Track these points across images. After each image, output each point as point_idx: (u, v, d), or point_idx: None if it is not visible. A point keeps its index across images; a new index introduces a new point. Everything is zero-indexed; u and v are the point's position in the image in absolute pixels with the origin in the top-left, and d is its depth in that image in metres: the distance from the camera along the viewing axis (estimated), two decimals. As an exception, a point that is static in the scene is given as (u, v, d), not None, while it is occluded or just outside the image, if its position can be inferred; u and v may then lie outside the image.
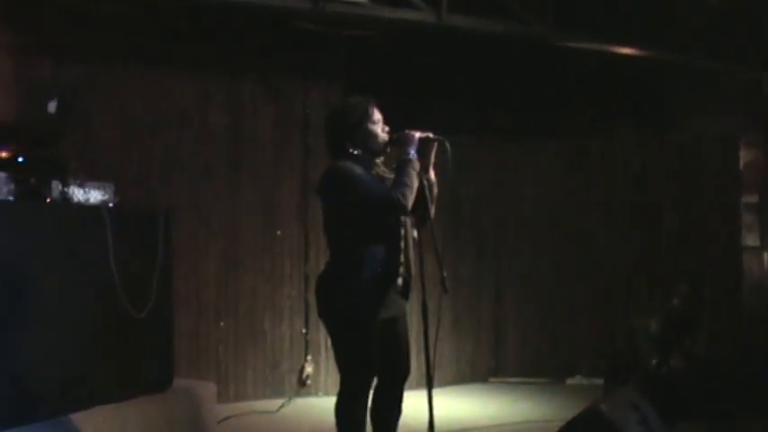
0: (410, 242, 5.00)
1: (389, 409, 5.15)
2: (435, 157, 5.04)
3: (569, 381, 9.92)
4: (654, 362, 7.42)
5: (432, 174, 5.07)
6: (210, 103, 8.62)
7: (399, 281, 4.96)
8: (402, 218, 4.94)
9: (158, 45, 8.20)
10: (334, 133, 5.07)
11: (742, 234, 8.65)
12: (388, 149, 5.07)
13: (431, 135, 4.99)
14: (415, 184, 4.85)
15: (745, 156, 8.71)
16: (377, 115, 5.05)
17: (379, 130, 5.03)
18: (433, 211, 5.00)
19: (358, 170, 4.91)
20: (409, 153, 4.90)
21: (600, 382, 8.98)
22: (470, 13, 7.51)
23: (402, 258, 4.96)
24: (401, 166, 4.88)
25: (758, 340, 8.40)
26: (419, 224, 5.03)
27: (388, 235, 4.91)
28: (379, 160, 5.10)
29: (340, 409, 4.96)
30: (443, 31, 7.57)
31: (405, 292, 5.04)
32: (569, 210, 10.30)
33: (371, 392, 5.12)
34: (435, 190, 5.07)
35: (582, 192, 10.36)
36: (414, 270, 5.01)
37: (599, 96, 9.72)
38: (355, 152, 4.98)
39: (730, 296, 8.74)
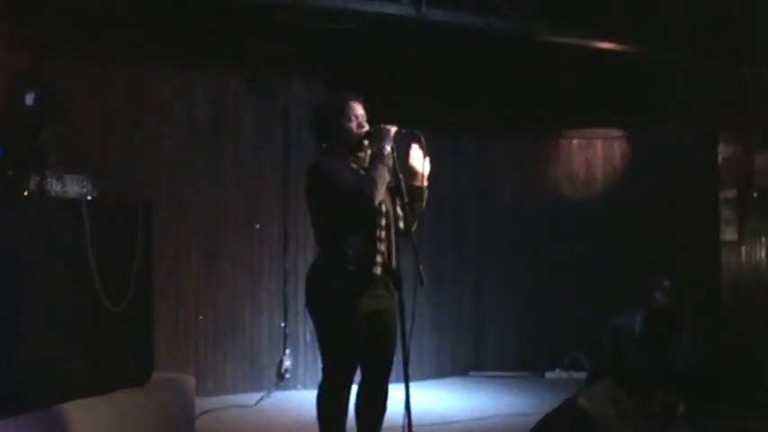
0: (392, 233, 5.02)
1: (374, 405, 5.17)
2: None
3: (549, 375, 9.95)
4: (640, 362, 7.43)
5: (425, 183, 5.14)
6: (192, 96, 8.62)
7: (378, 270, 4.96)
8: (384, 209, 4.97)
9: (140, 38, 8.20)
10: (315, 130, 5.21)
11: (720, 229, 8.68)
12: (365, 143, 5.09)
13: (405, 130, 5.03)
14: (384, 178, 4.89)
15: (723, 151, 8.74)
16: (356, 111, 5.09)
17: (355, 127, 5.07)
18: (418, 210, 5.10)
19: (336, 165, 4.98)
20: (383, 148, 4.93)
21: (579, 375, 9.02)
22: (451, 6, 7.50)
23: (383, 249, 4.97)
24: (372, 161, 4.95)
25: (736, 335, 8.43)
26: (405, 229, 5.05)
27: (367, 227, 4.93)
28: (361, 154, 5.12)
29: (321, 402, 4.99)
30: (424, 25, 7.57)
31: (396, 285, 5.02)
32: (550, 204, 10.33)
33: (357, 388, 5.15)
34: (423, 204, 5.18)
35: (562, 185, 10.39)
36: (395, 261, 5.02)
37: (580, 91, 9.75)
38: (333, 148, 5.07)
39: (708, 291, 8.77)
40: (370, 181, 4.85)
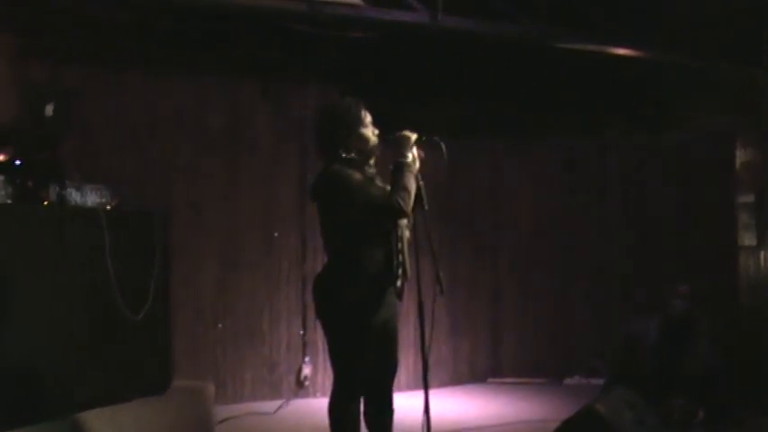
0: (405, 243, 5.02)
1: (383, 410, 5.16)
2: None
3: (567, 381, 9.94)
4: (657, 368, 7.43)
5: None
6: (208, 105, 8.64)
7: (397, 282, 4.98)
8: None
9: (156, 48, 8.23)
10: (329, 137, 5.06)
11: (738, 234, 8.65)
12: (377, 152, 5.07)
13: (425, 137, 5.02)
14: (414, 186, 4.86)
15: (740, 155, 8.71)
16: (368, 118, 5.06)
17: (371, 133, 5.04)
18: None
19: (355, 175, 4.92)
20: (406, 156, 4.91)
21: (597, 382, 9.01)
22: (466, 14, 7.52)
23: (400, 259, 4.97)
24: (398, 170, 4.89)
25: (753, 341, 8.41)
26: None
27: (385, 237, 4.92)
28: (371, 161, 5.10)
29: (334, 409, 4.98)
30: (439, 33, 7.58)
31: (399, 293, 5.06)
32: (566, 209, 10.33)
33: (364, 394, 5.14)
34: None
35: (578, 191, 10.38)
36: (410, 271, 5.03)
37: (594, 95, 9.73)
38: (349, 156, 4.99)
39: (727, 296, 8.75)
40: (402, 190, 4.82)
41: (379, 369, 5.08)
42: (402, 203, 4.79)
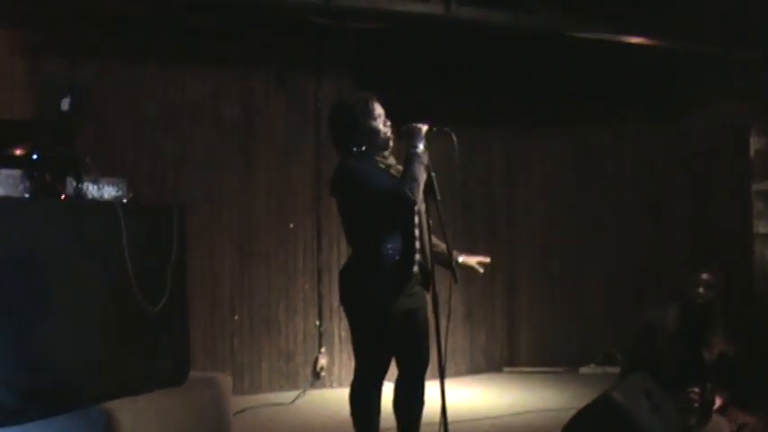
0: (425, 231, 5.05)
1: (413, 401, 5.20)
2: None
3: (583, 369, 9.94)
4: (674, 356, 7.41)
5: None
6: (223, 97, 8.66)
7: (415, 268, 5.02)
8: (416, 207, 4.99)
9: (170, 41, 8.26)
10: (338, 132, 5.19)
11: (753, 221, 8.64)
12: (391, 143, 5.13)
13: (436, 127, 5.06)
14: (423, 176, 4.90)
15: (755, 142, 8.70)
16: (378, 110, 5.13)
17: (381, 125, 5.11)
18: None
19: (366, 167, 5.00)
20: (417, 146, 4.96)
21: (613, 370, 9.01)
22: (479, 4, 7.53)
23: (418, 246, 5.02)
24: (408, 160, 4.95)
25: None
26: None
27: (402, 225, 4.98)
28: (387, 152, 5.15)
29: (355, 397, 5.03)
30: (453, 23, 7.59)
31: (424, 283, 5.10)
32: (581, 198, 10.32)
33: (394, 385, 5.19)
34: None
35: (593, 180, 10.37)
36: (430, 261, 5.07)
37: (610, 84, 9.72)
38: (360, 150, 5.07)
39: (742, 283, 8.74)
40: (411, 180, 4.87)
41: (408, 360, 5.14)
42: (410, 192, 4.84)
